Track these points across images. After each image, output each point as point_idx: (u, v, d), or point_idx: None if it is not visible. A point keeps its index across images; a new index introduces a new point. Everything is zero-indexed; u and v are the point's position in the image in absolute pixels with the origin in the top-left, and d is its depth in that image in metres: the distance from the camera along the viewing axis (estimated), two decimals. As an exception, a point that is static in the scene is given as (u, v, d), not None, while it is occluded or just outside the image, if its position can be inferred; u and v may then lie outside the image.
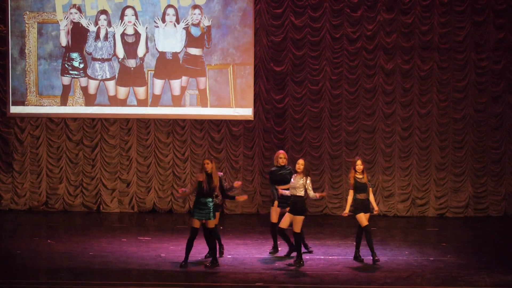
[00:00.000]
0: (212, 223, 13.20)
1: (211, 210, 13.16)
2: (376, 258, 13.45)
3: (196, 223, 13.14)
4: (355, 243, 13.77)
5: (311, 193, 13.27)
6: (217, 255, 13.45)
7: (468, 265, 13.45)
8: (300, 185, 13.26)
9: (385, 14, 19.41)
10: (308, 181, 13.27)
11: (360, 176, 13.56)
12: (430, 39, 19.41)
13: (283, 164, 14.23)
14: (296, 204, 13.35)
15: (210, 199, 13.18)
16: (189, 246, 13.16)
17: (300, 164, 13.35)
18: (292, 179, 13.43)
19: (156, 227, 17.79)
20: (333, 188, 19.49)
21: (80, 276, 12.43)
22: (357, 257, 13.62)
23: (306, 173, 13.31)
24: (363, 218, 13.51)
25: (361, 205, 13.53)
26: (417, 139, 19.54)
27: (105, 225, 18.13)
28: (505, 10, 19.30)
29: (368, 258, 13.63)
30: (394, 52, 19.47)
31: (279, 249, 14.29)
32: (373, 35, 19.45)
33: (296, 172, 13.39)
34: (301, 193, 13.32)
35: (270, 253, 14.29)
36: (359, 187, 13.53)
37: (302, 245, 13.77)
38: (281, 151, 14.59)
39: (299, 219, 13.31)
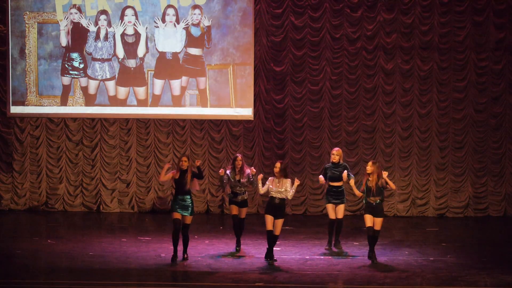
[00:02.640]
0: (189, 219, 13.45)
1: (188, 207, 13.42)
2: (375, 260, 13.52)
3: (177, 215, 13.44)
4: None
5: (291, 193, 13.45)
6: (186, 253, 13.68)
7: (468, 265, 13.45)
8: (284, 188, 13.36)
9: (385, 14, 19.41)
10: (288, 184, 13.43)
11: (371, 179, 13.60)
12: (430, 39, 19.41)
13: (336, 161, 14.43)
14: (281, 207, 13.44)
15: (188, 196, 13.48)
16: (175, 239, 13.45)
17: (277, 167, 13.43)
18: (271, 184, 13.41)
19: (156, 227, 17.79)
20: (333, 188, 19.45)
21: (80, 276, 12.43)
22: (369, 256, 13.67)
23: (285, 174, 13.45)
24: (367, 219, 13.55)
25: (368, 207, 13.61)
26: (417, 139, 19.55)
27: (105, 225, 18.14)
28: (505, 10, 19.30)
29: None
30: (394, 52, 19.47)
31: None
32: (373, 35, 19.45)
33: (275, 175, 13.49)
34: (284, 195, 13.42)
35: (326, 249, 14.55)
36: (368, 190, 13.64)
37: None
38: (336, 148, 14.74)
39: (281, 222, 13.48)
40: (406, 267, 13.24)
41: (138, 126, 19.89)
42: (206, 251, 14.46)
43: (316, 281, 12.26)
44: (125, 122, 19.87)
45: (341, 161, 14.60)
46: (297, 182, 13.49)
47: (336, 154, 14.47)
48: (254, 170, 14.42)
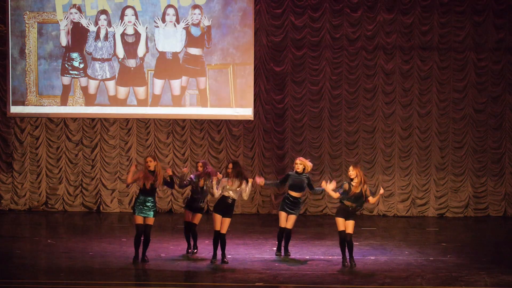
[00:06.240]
0: (151, 221, 13.30)
1: (151, 209, 13.25)
2: (346, 263, 13.17)
3: (139, 219, 13.25)
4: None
5: (247, 192, 13.27)
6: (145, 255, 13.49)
7: (468, 265, 13.44)
8: (239, 188, 13.20)
9: (385, 14, 19.42)
10: (244, 186, 13.18)
11: (354, 184, 13.29)
12: (430, 39, 19.43)
13: (299, 171, 13.81)
14: (232, 207, 13.26)
15: (150, 198, 13.23)
16: (137, 242, 13.30)
17: (229, 167, 13.23)
18: (227, 184, 13.26)
19: (156, 227, 17.76)
20: (333, 188, 19.46)
21: (80, 276, 12.43)
22: (350, 262, 13.27)
23: (237, 175, 13.20)
24: (339, 223, 13.30)
25: (342, 210, 13.25)
26: (417, 139, 19.56)
27: (105, 225, 18.13)
28: (505, 10, 19.33)
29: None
30: (394, 52, 19.48)
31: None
32: (373, 35, 19.46)
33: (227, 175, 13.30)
34: (237, 196, 13.27)
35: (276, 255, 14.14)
36: (346, 193, 13.21)
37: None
38: (299, 158, 14.25)
39: (229, 221, 13.26)
40: (406, 267, 13.23)
41: (138, 126, 19.90)
42: (206, 251, 14.45)
43: (316, 281, 12.25)
44: (125, 122, 19.87)
45: (306, 172, 13.84)
46: (250, 181, 13.27)
47: (299, 164, 13.85)
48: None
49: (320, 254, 14.34)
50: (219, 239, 13.31)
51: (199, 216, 14.21)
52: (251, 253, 14.33)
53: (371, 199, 13.13)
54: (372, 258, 13.89)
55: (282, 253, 14.10)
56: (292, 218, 13.88)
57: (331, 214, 19.50)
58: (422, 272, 12.90)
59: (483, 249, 15.11)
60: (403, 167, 19.59)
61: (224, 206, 13.26)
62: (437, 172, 19.55)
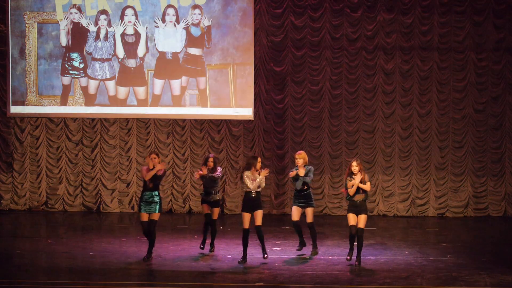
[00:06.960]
0: (156, 216, 13.59)
1: (157, 203, 13.58)
2: (349, 258, 13.38)
3: (144, 217, 13.59)
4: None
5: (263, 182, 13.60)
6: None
7: (468, 265, 13.45)
8: (260, 182, 13.50)
9: (385, 14, 19.42)
10: (258, 178, 13.53)
11: (356, 178, 13.44)
12: (430, 39, 19.42)
13: (300, 164, 14.17)
14: (258, 200, 13.52)
15: (156, 192, 13.63)
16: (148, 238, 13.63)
17: (260, 162, 13.58)
18: (251, 178, 13.45)
19: (156, 227, 17.76)
20: (333, 188, 19.50)
21: (80, 276, 12.43)
22: (356, 258, 13.42)
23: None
24: (350, 218, 13.43)
25: (352, 206, 13.46)
26: (417, 139, 19.55)
27: (105, 225, 18.14)
28: (505, 10, 19.31)
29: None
30: (394, 52, 19.48)
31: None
32: (373, 35, 19.46)
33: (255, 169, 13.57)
34: (259, 189, 13.55)
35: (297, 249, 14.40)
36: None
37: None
38: (298, 152, 14.52)
39: (261, 212, 13.55)
40: (406, 267, 13.24)
41: (138, 126, 19.90)
42: (206, 251, 14.46)
43: (316, 281, 12.26)
44: (125, 122, 19.88)
45: (305, 163, 14.22)
46: (266, 171, 13.62)
47: (299, 158, 14.17)
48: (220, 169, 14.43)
49: (320, 254, 14.35)
50: (257, 234, 13.53)
51: (216, 211, 14.51)
52: (251, 253, 14.33)
53: (366, 186, 13.39)
54: (372, 258, 13.90)
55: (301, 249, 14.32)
56: (310, 211, 14.18)
57: (331, 214, 19.53)
58: (422, 272, 12.91)
59: (483, 249, 15.12)
60: (403, 167, 19.59)
61: (250, 201, 13.52)
62: (437, 172, 19.55)
